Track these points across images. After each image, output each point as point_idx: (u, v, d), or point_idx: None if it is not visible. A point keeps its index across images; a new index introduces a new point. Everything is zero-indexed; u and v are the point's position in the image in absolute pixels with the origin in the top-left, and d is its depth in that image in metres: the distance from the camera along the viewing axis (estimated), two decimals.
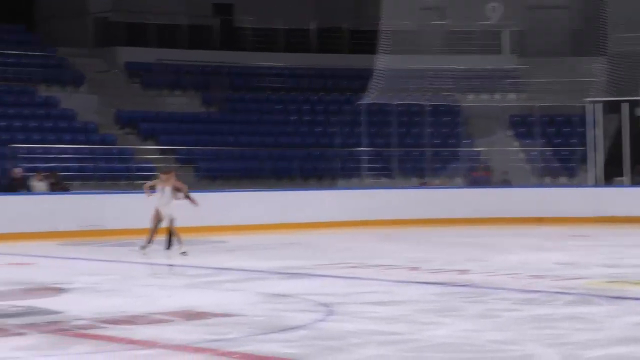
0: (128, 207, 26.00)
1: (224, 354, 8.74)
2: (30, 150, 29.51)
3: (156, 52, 37.96)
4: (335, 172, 33.68)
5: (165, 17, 39.07)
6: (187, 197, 20.40)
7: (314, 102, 38.61)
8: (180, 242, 19.57)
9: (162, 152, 32.36)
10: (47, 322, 10.62)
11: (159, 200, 19.95)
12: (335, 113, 36.77)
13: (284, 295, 12.89)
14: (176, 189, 20.13)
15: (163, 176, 20.24)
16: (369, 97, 33.54)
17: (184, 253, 19.18)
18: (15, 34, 36.87)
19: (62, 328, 10.22)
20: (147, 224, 20.95)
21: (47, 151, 29.87)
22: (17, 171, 26.70)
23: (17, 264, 18.31)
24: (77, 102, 34.04)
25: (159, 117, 34.91)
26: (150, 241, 19.67)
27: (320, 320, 10.67)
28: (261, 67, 39.06)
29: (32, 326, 10.34)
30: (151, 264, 18.12)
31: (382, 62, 33.64)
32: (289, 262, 17.99)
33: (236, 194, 29.35)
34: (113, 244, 22.92)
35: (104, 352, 8.99)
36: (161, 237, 19.89)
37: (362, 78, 35.85)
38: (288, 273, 15.93)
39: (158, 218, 19.93)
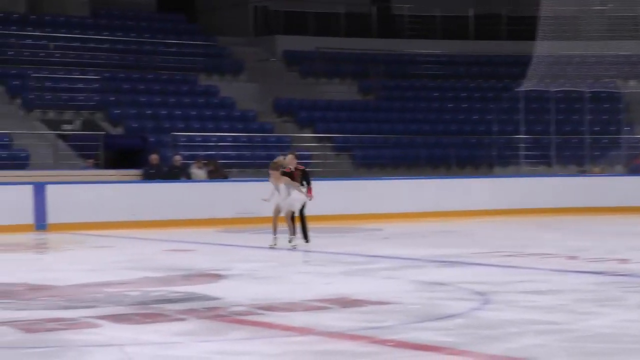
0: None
1: (379, 341, 8.73)
2: (190, 138, 30.05)
3: (314, 40, 38.22)
4: (492, 159, 33.36)
5: (323, 5, 39.28)
6: (303, 186, 18.93)
7: (471, 89, 38.33)
8: (293, 233, 18.57)
9: (319, 140, 32.56)
10: (206, 308, 10.77)
11: (277, 197, 18.58)
12: (493, 100, 36.41)
13: (439, 284, 12.82)
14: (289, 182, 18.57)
15: (272, 172, 18.57)
16: (528, 84, 33.09)
17: (293, 246, 18.27)
18: (177, 24, 37.61)
19: (220, 314, 10.37)
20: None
21: (206, 139, 30.38)
22: (177, 159, 27.22)
23: (177, 250, 18.66)
24: (237, 90, 34.54)
25: (317, 105, 35.12)
26: (274, 234, 18.59)
27: (477, 309, 10.58)
28: (418, 54, 38.96)
29: (191, 312, 10.51)
30: (307, 251, 18.24)
31: (541, 48, 33.14)
32: (445, 250, 17.89)
33: (392, 182, 29.30)
34: (271, 231, 23.14)
35: (260, 338, 9.09)
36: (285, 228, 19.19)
37: (520, 64, 35.39)
38: (444, 261, 15.84)
39: (277, 212, 18.68)
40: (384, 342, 8.68)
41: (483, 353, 8.19)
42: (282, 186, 18.35)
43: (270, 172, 18.50)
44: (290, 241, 18.34)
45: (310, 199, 18.95)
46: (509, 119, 34.88)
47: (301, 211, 18.98)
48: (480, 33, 40.74)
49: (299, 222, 19.07)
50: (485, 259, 16.22)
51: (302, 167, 19.05)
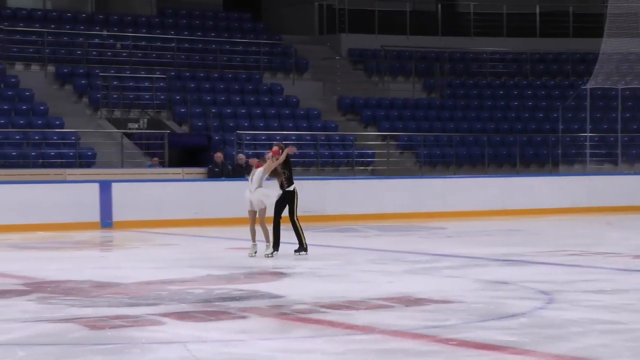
0: (349, 193, 26.26)
1: (442, 340, 8.70)
2: (254, 137, 30.16)
3: (379, 38, 38.20)
4: (557, 158, 33.10)
5: (389, 3, 39.26)
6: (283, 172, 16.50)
7: (536, 87, 38.09)
8: (268, 241, 16.28)
9: (383, 138, 32.51)
10: (269, 306, 10.81)
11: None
12: (559, 98, 36.13)
13: (503, 283, 12.75)
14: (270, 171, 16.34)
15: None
16: (594, 82, 32.77)
17: (267, 255, 16.18)
18: (242, 23, 37.77)
19: (283, 312, 10.39)
20: (368, 210, 21.03)
21: (270, 137, 30.45)
22: (242, 157, 27.32)
23: (240, 248, 18.71)
24: (301, 89, 34.60)
25: (381, 103, 35.08)
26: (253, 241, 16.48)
27: (540, 308, 10.51)
28: (483, 52, 38.76)
29: (254, 310, 10.55)
30: (371, 249, 18.21)
31: (608, 45, 32.79)
32: (509, 249, 17.78)
33: (456, 180, 29.17)
34: (334, 230, 23.16)
35: (323, 336, 9.09)
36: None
37: (586, 62, 35.05)
38: (507, 260, 15.74)
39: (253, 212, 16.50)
40: (446, 341, 8.65)
41: (547, 353, 8.13)
42: (254, 177, 16.22)
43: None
44: (266, 251, 16.19)
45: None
46: (574, 117, 34.60)
47: (291, 214, 16.41)
48: (546, 30, 40.43)
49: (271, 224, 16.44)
50: (550, 258, 16.10)
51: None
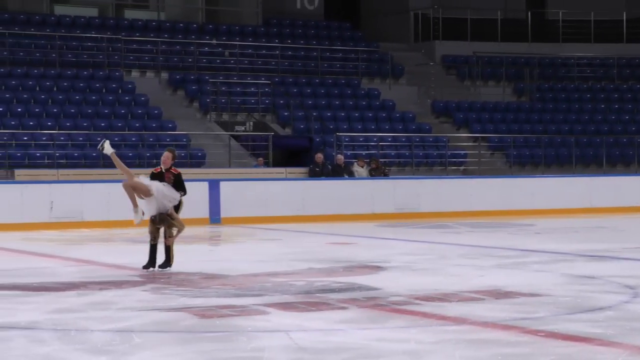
0: (442, 191, 26.15)
1: (531, 332, 8.62)
2: (352, 138, 30.17)
3: (472, 45, 37.98)
4: None
5: (481, 12, 38.98)
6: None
7: (622, 90, 37.47)
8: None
9: (474, 139, 32.27)
10: (366, 298, 10.81)
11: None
12: None
13: (589, 277, 12.57)
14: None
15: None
16: None
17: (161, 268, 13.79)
18: (342, 31, 37.83)
19: (379, 303, 10.38)
20: (460, 207, 20.83)
21: (368, 139, 30.45)
22: (340, 157, 27.36)
23: (339, 243, 18.75)
24: (397, 93, 34.53)
25: (473, 106, 34.83)
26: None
27: (626, 302, 10.34)
28: (571, 57, 38.25)
29: (353, 301, 10.56)
30: (462, 245, 18.10)
31: None
32: (595, 245, 17.52)
33: (545, 180, 28.85)
34: (427, 226, 23.07)
35: (417, 327, 9.07)
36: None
37: None
38: (594, 256, 15.52)
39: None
40: (535, 333, 8.56)
41: (633, 344, 8.00)
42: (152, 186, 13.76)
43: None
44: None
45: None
46: None
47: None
48: (633, 36, 39.76)
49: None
50: (635, 254, 15.83)
51: (176, 171, 14.09)
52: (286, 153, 30.19)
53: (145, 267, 13.78)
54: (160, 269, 13.67)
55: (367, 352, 7.88)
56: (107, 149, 13.76)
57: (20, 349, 8.15)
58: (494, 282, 12.07)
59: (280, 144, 29.68)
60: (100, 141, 13.88)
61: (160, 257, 13.80)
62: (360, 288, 11.66)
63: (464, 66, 37.30)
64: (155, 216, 13.72)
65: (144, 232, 21.16)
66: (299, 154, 29.75)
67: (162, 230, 13.84)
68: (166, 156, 13.84)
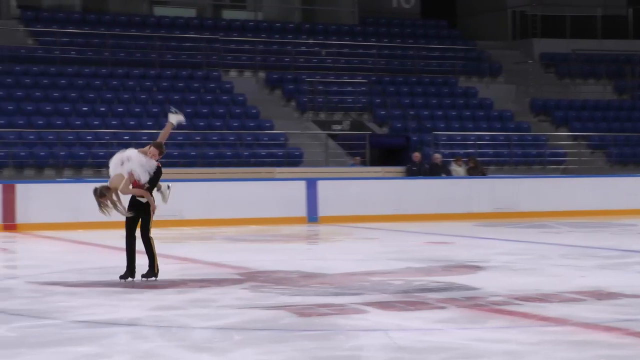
0: (541, 191, 25.85)
1: (634, 334, 8.48)
2: (450, 137, 30.02)
3: (571, 42, 37.51)
4: None
5: (580, 8, 38.48)
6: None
7: None
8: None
9: (574, 138, 31.86)
10: (465, 298, 10.74)
11: None
12: None
13: None
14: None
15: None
16: None
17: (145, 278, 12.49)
18: (439, 30, 37.68)
19: (478, 303, 10.32)
20: (560, 207, 20.36)
21: (465, 138, 30.27)
22: (437, 156, 27.24)
23: (437, 242, 18.67)
24: (495, 91, 34.26)
25: (572, 104, 34.39)
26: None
27: None
28: None
29: (451, 301, 10.50)
30: (563, 245, 17.88)
31: None
32: None
33: None
34: (527, 225, 22.83)
35: (517, 327, 8.99)
36: None
37: None
38: None
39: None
40: (638, 335, 8.42)
41: None
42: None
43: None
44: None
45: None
46: None
47: (145, 230, 12.55)
48: None
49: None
50: None
51: (159, 165, 12.75)
52: (383, 152, 30.17)
53: (123, 277, 12.34)
54: (143, 279, 12.27)
55: (467, 352, 7.83)
56: (174, 118, 13.10)
57: (123, 345, 8.29)
58: (596, 283, 11.90)
59: (377, 143, 29.66)
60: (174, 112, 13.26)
61: (142, 267, 12.42)
62: (459, 288, 11.59)
63: (562, 64, 36.85)
64: (98, 188, 12.34)
65: (244, 231, 21.39)
66: (396, 153, 29.71)
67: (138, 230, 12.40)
68: (152, 152, 12.50)
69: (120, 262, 15.46)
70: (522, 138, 31.23)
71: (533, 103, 34.19)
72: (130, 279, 12.34)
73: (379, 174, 27.11)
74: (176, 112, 13.19)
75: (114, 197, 12.39)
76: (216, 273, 13.40)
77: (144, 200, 12.44)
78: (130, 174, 12.32)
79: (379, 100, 31.87)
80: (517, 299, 10.56)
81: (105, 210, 12.40)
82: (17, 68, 28.84)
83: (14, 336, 8.75)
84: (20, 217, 21.61)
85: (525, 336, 8.46)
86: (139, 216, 12.47)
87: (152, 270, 12.42)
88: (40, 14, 32.75)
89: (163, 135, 13.09)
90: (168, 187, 12.92)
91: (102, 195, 12.32)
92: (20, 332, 8.93)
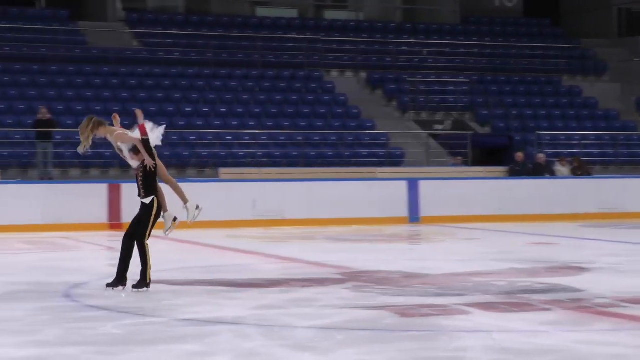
0: None
1: None
2: (553, 137, 29.64)
3: None
4: None
5: None
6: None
7: None
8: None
9: None
10: (570, 300, 10.59)
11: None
12: None
13: None
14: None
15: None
16: None
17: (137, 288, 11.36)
18: (542, 28, 37.25)
19: (583, 305, 10.16)
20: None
21: (569, 137, 29.86)
22: (541, 156, 26.93)
23: (541, 243, 18.45)
24: (600, 90, 33.74)
25: None
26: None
27: None
28: None
29: (556, 302, 10.36)
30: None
31: None
32: None
33: None
34: (634, 227, 22.42)
35: (624, 330, 8.83)
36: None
37: None
38: None
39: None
40: None
41: None
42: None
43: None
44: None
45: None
46: None
47: (142, 234, 11.39)
48: None
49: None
50: None
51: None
52: (485, 152, 29.94)
53: (110, 285, 11.38)
54: (134, 290, 11.23)
55: (573, 355, 7.72)
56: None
57: (227, 343, 8.35)
58: None
59: (479, 143, 29.45)
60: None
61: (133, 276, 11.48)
62: (564, 289, 11.43)
63: None
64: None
65: (346, 231, 21.42)
66: (499, 153, 29.45)
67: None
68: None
69: (224, 260, 15.65)
70: (628, 137, 30.69)
71: (639, 102, 33.57)
72: (120, 287, 11.26)
73: (481, 174, 26.91)
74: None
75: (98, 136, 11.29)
76: (318, 273, 13.43)
77: (147, 200, 11.29)
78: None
79: (481, 100, 31.64)
80: (623, 301, 10.37)
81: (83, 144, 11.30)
82: (122, 69, 29.32)
83: (121, 334, 8.89)
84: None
85: (632, 339, 8.31)
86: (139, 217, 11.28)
87: (144, 280, 11.26)
88: (144, 15, 33.24)
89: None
90: (197, 207, 11.76)
91: (94, 127, 11.20)
92: (127, 329, 9.07)
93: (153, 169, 11.19)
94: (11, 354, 8.00)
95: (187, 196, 11.70)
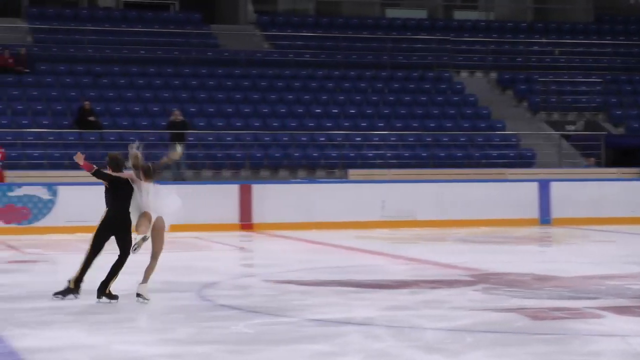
0: None
1: None
2: None
3: None
4: None
5: None
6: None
7: None
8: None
9: None
10: None
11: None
12: None
13: None
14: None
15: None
16: None
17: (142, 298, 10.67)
18: None
19: None
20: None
21: None
22: None
23: None
24: None
25: None
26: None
27: None
28: None
29: None
30: None
31: None
32: None
33: None
34: None
35: None
36: None
37: None
38: None
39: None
40: None
41: None
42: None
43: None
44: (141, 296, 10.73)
45: None
46: None
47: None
48: None
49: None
50: None
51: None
52: (619, 152, 29.32)
53: (59, 294, 10.71)
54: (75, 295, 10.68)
55: None
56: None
57: (357, 344, 8.37)
58: None
59: (613, 143, 28.87)
60: None
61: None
62: None
63: None
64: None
65: (476, 232, 21.25)
66: (633, 154, 28.82)
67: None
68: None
69: (353, 261, 15.68)
70: None
71: None
72: (72, 295, 10.67)
73: (615, 175, 26.37)
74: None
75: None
76: (447, 274, 13.35)
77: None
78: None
79: (614, 100, 31.02)
80: None
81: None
82: (253, 71, 29.64)
83: (252, 333, 8.99)
84: (256, 217, 22.22)
85: None
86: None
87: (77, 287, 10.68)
88: (275, 18, 33.55)
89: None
90: (144, 238, 10.85)
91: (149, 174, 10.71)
92: (257, 329, 9.16)
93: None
94: (145, 351, 8.17)
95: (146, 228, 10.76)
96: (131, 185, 10.72)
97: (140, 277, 10.71)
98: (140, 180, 10.71)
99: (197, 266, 14.80)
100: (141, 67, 28.85)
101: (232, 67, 29.65)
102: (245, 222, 22.07)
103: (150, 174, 10.71)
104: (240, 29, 32.52)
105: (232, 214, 22.19)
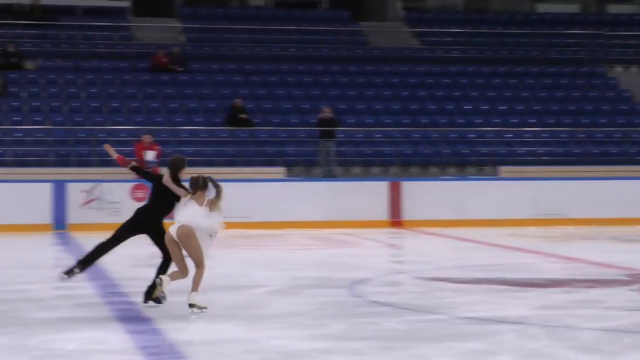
0: None
1: None
2: None
3: None
4: None
5: None
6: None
7: None
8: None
9: None
10: None
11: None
12: None
13: None
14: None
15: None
16: None
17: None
18: None
19: None
20: None
21: None
22: None
23: None
24: None
25: None
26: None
27: None
28: None
29: None
30: None
31: None
32: None
33: None
34: None
35: None
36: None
37: None
38: None
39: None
40: None
41: None
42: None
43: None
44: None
45: None
46: None
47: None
48: None
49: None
50: None
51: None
52: None
53: (66, 273, 10.39)
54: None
55: None
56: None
57: (511, 343, 8.29)
58: None
59: None
60: None
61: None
62: None
63: None
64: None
65: (631, 231, 20.75)
66: None
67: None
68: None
69: (505, 259, 15.53)
70: None
71: None
72: (77, 270, 10.32)
73: None
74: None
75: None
76: (602, 273, 13.10)
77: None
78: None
79: None
80: None
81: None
82: (402, 68, 29.60)
83: (404, 329, 8.99)
84: (406, 214, 22.23)
85: None
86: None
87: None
88: (424, 14, 33.44)
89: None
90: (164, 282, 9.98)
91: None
92: (410, 325, 9.16)
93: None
94: (299, 346, 8.26)
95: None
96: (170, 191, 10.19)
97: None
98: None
99: (347, 263, 14.87)
100: (291, 65, 29.14)
101: (381, 64, 29.69)
102: (395, 219, 22.10)
103: (196, 185, 10.02)
104: (388, 26, 32.52)
105: (382, 211, 22.26)
